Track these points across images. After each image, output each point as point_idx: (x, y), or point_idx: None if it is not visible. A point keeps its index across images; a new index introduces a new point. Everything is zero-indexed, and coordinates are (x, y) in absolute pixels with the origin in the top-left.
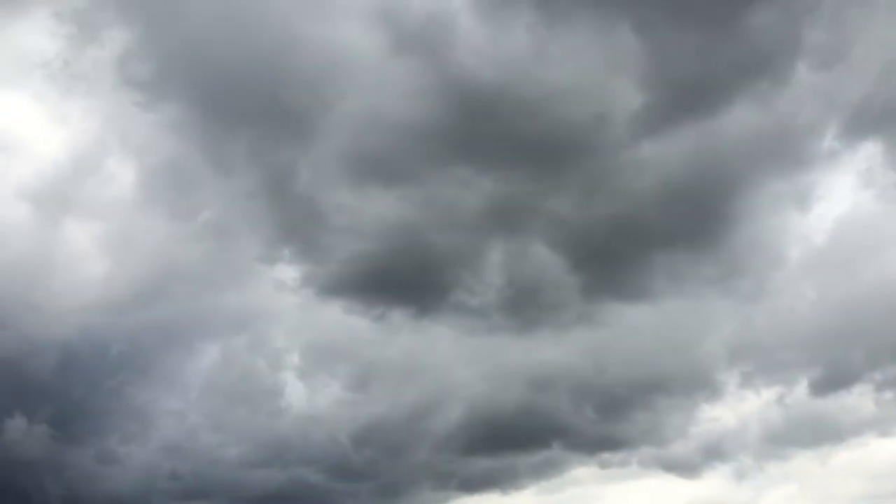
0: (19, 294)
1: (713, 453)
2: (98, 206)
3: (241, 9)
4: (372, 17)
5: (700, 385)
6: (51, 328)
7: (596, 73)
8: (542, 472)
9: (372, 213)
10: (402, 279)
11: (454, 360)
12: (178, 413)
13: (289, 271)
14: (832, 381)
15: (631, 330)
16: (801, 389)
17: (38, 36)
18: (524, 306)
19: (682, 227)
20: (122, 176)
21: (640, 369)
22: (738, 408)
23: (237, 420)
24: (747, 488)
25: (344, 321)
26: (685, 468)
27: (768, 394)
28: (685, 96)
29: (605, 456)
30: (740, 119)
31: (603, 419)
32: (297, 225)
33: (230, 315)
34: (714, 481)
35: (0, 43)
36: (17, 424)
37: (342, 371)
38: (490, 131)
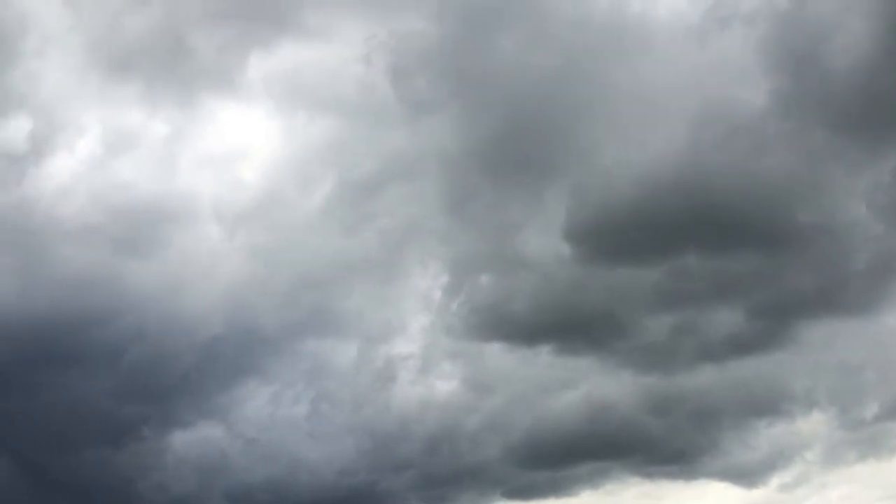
0: None
1: (770, 462)
2: None
3: None
4: None
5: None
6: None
7: None
8: (592, 480)
9: None
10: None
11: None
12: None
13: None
14: None
15: None
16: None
17: None
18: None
19: None
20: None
21: None
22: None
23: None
24: (803, 496)
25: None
26: (742, 476)
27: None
28: None
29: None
30: None
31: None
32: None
33: None
34: (770, 491)
35: None
36: None
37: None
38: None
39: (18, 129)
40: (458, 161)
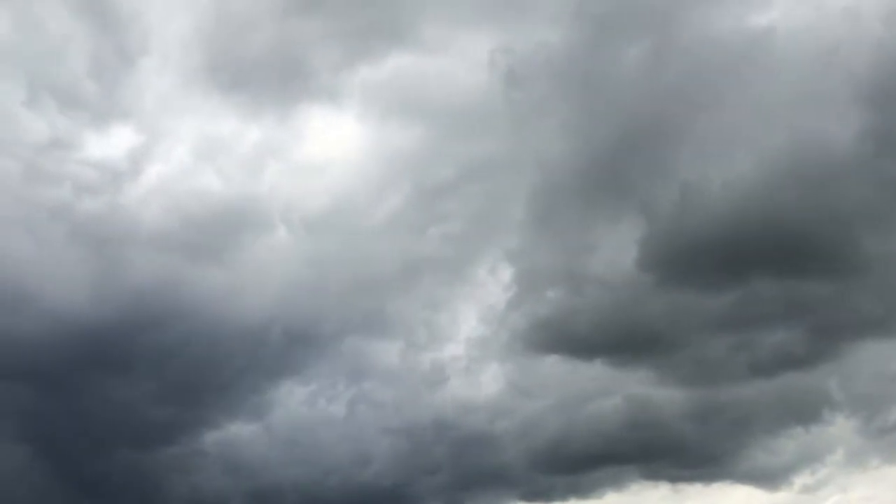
0: None
1: (793, 466)
2: None
3: None
4: None
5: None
6: None
7: None
8: (614, 483)
9: None
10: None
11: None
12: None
13: None
14: None
15: None
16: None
17: None
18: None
19: None
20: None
21: None
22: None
23: None
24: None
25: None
26: (765, 479)
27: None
28: None
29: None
30: None
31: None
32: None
33: None
34: (792, 493)
35: None
36: None
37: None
38: None
39: (121, 140)
40: (550, 174)
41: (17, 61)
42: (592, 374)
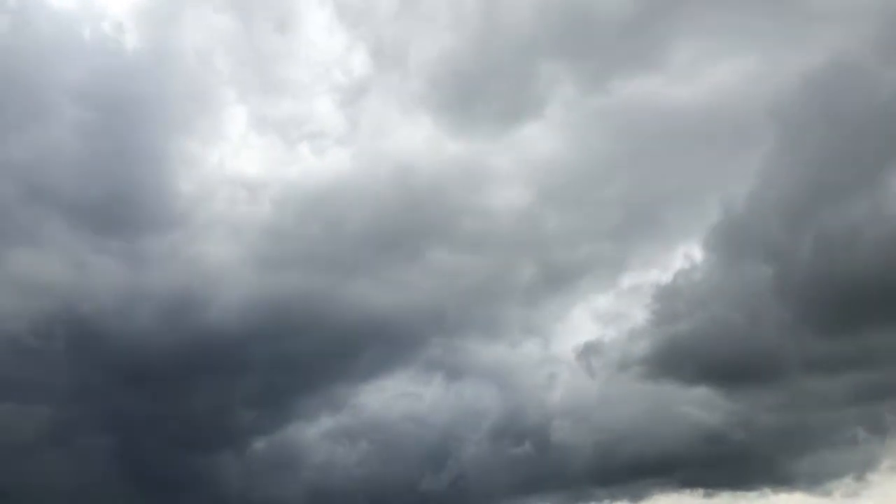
0: None
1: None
2: None
3: None
4: None
5: None
6: None
7: None
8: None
9: None
10: None
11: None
12: None
13: None
14: None
15: None
16: None
17: None
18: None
19: None
20: None
21: None
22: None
23: None
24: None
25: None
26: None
27: None
28: None
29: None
30: None
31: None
32: None
33: None
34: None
35: None
36: None
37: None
38: None
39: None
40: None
41: None
42: (689, 398)
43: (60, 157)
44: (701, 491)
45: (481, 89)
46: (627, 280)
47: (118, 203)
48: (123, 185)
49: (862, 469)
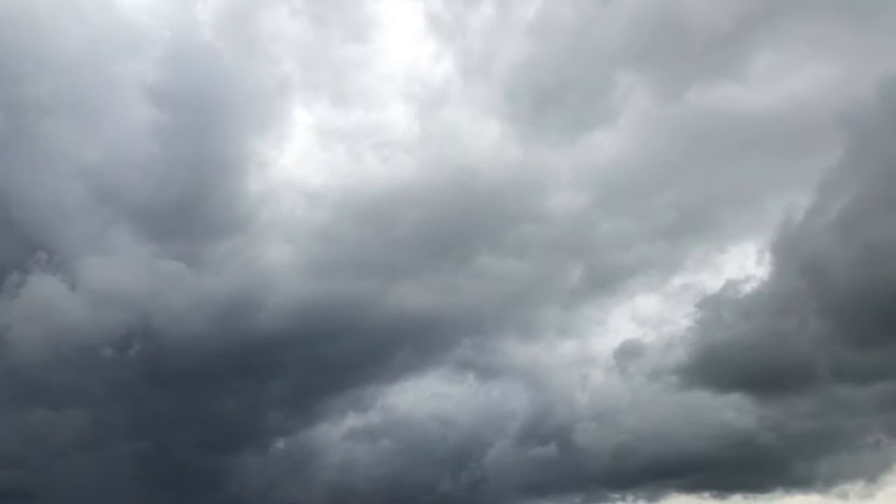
0: None
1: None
2: None
3: None
4: None
5: None
6: None
7: None
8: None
9: None
10: None
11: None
12: None
13: None
14: None
15: None
16: None
17: None
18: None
19: None
20: None
21: None
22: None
23: None
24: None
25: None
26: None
27: None
28: None
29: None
30: None
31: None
32: None
33: None
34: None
35: None
36: None
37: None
38: None
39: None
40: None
41: None
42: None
43: (133, 158)
44: (712, 493)
45: (556, 99)
46: (677, 281)
47: (187, 206)
48: (193, 188)
49: (877, 471)
